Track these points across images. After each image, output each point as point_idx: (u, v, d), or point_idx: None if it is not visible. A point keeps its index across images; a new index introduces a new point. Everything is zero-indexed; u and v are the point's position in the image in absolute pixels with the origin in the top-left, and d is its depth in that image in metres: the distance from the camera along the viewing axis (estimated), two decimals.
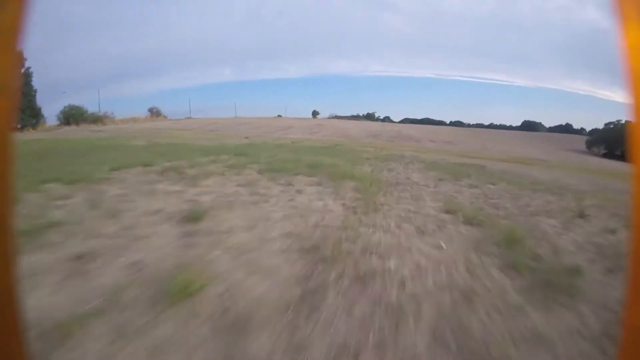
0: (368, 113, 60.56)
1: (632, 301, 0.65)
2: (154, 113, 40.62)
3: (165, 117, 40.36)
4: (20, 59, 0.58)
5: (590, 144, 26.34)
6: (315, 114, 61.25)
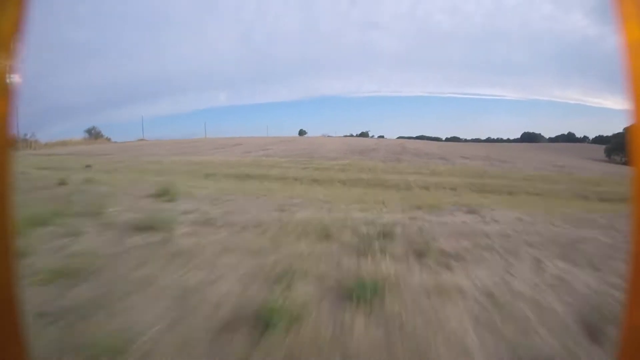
0: (362, 132, 58.76)
1: (632, 301, 0.65)
2: (93, 134, 34.95)
3: (108, 139, 34.40)
4: (19, 62, 0.59)
5: (609, 152, 25.40)
6: (302, 133, 58.56)
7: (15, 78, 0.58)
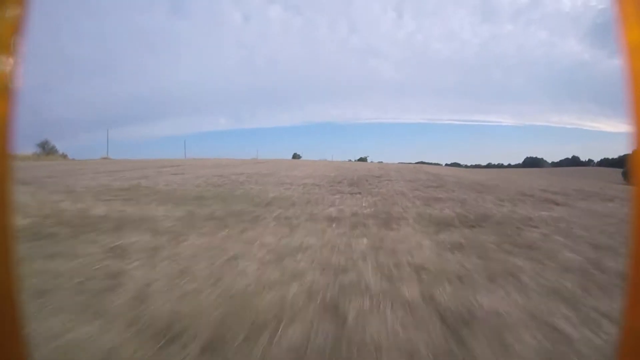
0: (360, 157, 57.33)
1: (631, 302, 0.65)
2: (46, 149, 30.76)
3: (64, 155, 29.92)
4: (20, 61, 0.59)
5: (626, 175, 25.23)
6: (296, 156, 55.09)
7: (16, 80, 0.58)
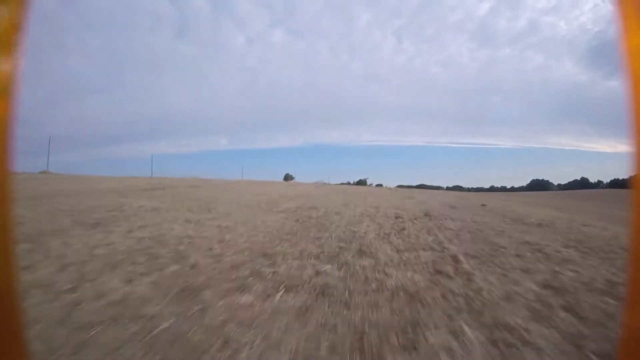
0: (360, 180, 54.63)
1: (632, 301, 0.65)
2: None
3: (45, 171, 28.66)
4: (20, 62, 0.59)
5: None
6: (288, 177, 51.48)
7: (16, 81, 0.59)
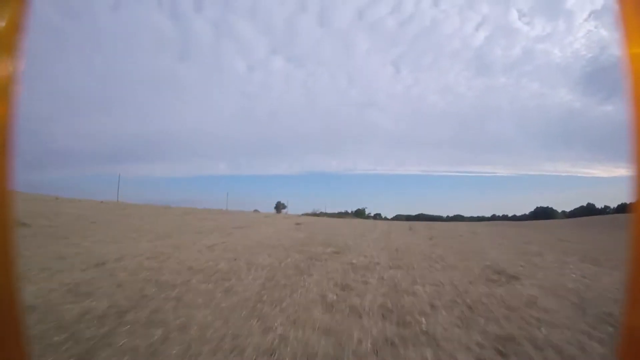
0: (358, 209, 51.38)
1: (632, 301, 0.65)
2: None
3: None
4: (20, 62, 0.59)
5: None
6: (280, 207, 47.38)
7: (16, 83, 0.59)
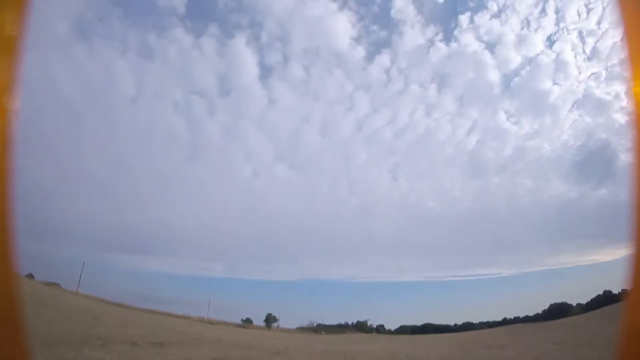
0: (358, 321, 45.79)
1: (632, 301, 0.65)
2: None
3: None
4: (19, 64, 0.59)
5: None
6: (270, 319, 37.62)
7: (17, 77, 0.59)
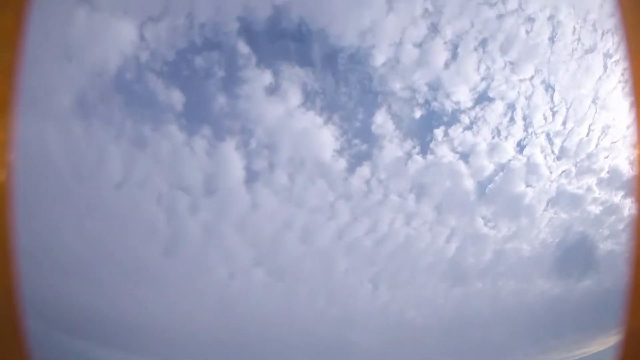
0: None
1: (632, 302, 0.65)
2: None
3: None
4: (20, 61, 0.59)
5: None
6: None
7: (17, 72, 0.59)
